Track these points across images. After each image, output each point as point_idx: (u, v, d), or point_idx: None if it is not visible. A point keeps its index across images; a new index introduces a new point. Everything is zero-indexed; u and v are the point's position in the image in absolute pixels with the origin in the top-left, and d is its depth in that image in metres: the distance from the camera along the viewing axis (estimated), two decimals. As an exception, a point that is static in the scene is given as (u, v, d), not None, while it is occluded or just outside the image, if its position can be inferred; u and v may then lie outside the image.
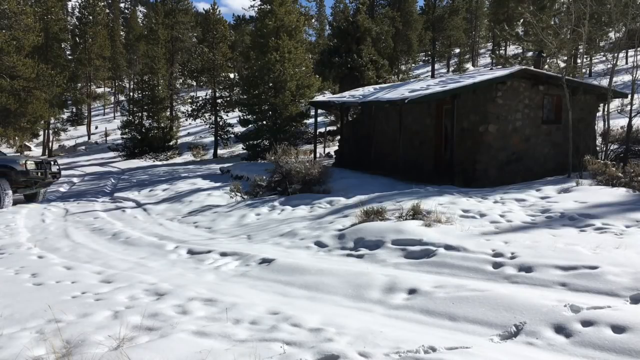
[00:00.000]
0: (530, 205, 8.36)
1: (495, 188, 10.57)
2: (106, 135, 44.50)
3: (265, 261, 6.43)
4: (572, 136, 11.73)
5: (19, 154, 16.68)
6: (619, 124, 16.09)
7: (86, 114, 49.05)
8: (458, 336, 3.88)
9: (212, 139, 34.35)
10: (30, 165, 13.76)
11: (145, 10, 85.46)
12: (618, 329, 3.64)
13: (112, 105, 61.59)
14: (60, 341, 4.03)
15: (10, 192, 13.48)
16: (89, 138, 45.43)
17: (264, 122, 23.87)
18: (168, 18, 38.32)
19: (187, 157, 32.10)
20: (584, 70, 30.09)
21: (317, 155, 19.35)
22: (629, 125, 13.03)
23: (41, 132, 39.36)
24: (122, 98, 57.99)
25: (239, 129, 28.22)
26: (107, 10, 65.31)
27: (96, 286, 5.86)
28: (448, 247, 6.07)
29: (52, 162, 15.05)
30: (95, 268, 6.86)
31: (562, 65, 21.59)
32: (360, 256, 6.48)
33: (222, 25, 33.59)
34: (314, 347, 3.65)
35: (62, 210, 13.51)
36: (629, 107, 13.38)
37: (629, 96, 14.37)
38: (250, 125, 25.07)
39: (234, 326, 4.25)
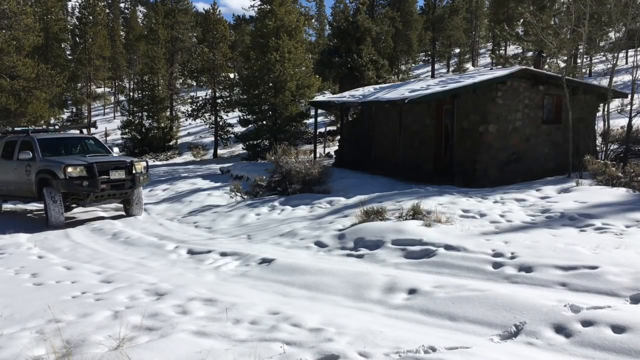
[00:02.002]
0: (530, 205, 8.36)
1: (495, 188, 10.57)
2: (106, 135, 44.49)
3: (265, 261, 6.43)
4: (572, 136, 11.73)
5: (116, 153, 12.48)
6: (619, 124, 16.08)
7: (86, 114, 49.04)
8: (458, 336, 3.88)
9: (212, 139, 34.36)
10: (73, 172, 10.25)
11: (145, 10, 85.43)
12: (618, 329, 3.64)
13: (112, 105, 61.57)
14: (60, 341, 4.03)
15: (59, 205, 10.45)
16: (89, 138, 45.41)
17: (264, 122, 23.87)
18: (168, 18, 38.29)
19: (187, 157, 32.11)
20: (584, 70, 30.08)
21: (317, 155, 19.34)
22: (629, 125, 13.03)
23: (41, 132, 39.30)
24: (122, 98, 57.98)
25: (239, 129, 28.22)
26: (107, 10, 65.27)
27: (96, 286, 5.86)
28: (448, 247, 6.08)
29: (129, 164, 11.02)
30: (95, 268, 6.86)
31: (562, 65, 21.59)
32: (360, 256, 6.48)
33: (222, 25, 33.59)
34: (314, 347, 3.65)
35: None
36: (629, 107, 13.39)
37: (629, 96, 14.37)
38: (250, 125, 25.08)
39: (234, 326, 4.25)
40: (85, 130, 18.23)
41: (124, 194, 11.20)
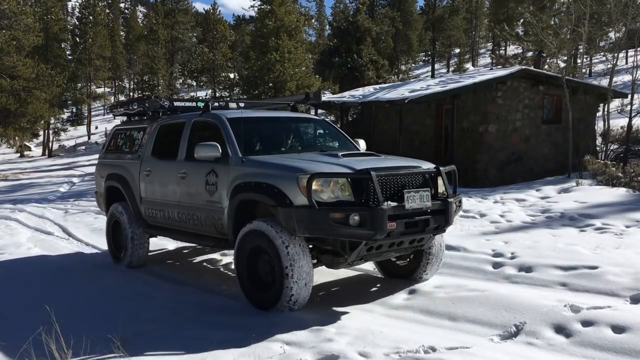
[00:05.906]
0: (530, 205, 8.36)
1: (495, 188, 10.58)
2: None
3: (265, 261, 6.41)
4: (572, 136, 11.74)
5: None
6: (619, 124, 16.07)
7: (86, 114, 49.06)
8: (458, 336, 3.88)
9: (212, 139, 34.37)
10: (324, 192, 4.14)
11: (145, 10, 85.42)
12: (618, 329, 3.64)
13: (112, 106, 61.53)
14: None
15: (300, 267, 4.23)
16: (89, 138, 45.41)
17: (264, 122, 23.85)
18: (168, 18, 38.39)
19: (187, 157, 32.08)
20: (584, 70, 30.08)
21: (317, 155, 19.32)
22: (629, 125, 13.04)
23: (41, 132, 39.36)
24: (122, 98, 57.98)
25: (239, 129, 28.25)
26: (107, 10, 65.27)
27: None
28: (448, 247, 6.06)
29: (432, 174, 4.65)
30: (95, 268, 6.84)
31: (562, 65, 21.59)
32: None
33: (222, 25, 33.70)
34: (314, 347, 3.64)
35: (62, 210, 13.49)
36: (629, 107, 13.40)
37: (629, 96, 14.38)
38: (250, 125, 25.05)
39: (234, 326, 4.24)
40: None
41: (426, 240, 4.80)
